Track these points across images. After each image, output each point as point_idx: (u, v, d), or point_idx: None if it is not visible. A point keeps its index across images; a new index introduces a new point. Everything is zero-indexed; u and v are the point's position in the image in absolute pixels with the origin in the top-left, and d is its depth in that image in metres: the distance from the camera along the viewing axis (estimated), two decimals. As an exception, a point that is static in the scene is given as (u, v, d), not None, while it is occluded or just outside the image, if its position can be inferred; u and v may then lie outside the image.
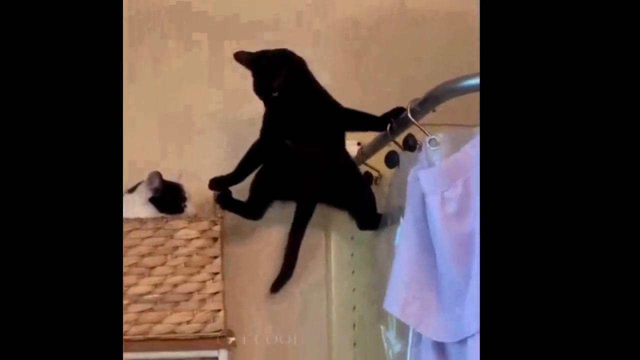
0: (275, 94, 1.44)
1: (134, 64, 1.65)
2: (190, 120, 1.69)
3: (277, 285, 1.49)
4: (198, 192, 1.54)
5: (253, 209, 1.52)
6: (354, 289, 1.64)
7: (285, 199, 1.51)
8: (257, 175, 1.50)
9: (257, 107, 1.49)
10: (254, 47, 1.51)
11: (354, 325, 1.63)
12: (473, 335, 1.12)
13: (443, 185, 1.19)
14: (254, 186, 1.51)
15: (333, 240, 1.66)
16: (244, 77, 1.49)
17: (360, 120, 1.48)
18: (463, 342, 1.15)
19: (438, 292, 1.23)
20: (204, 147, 1.67)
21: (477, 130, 1.04)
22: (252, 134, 1.51)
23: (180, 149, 1.67)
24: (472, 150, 1.17)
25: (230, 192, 1.50)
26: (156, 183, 1.48)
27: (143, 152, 1.61)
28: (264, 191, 1.51)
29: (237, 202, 1.51)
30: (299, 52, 1.50)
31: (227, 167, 1.52)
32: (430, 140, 1.24)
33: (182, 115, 1.69)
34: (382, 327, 1.43)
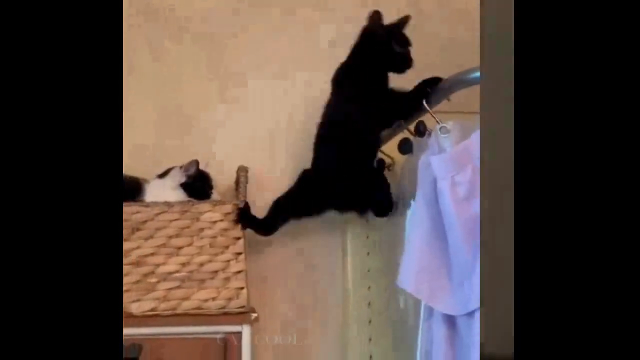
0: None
1: (134, 62, 1.67)
2: (190, 116, 1.72)
3: None
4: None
5: (268, 226, 1.55)
6: (368, 270, 1.68)
7: (302, 217, 1.55)
8: (280, 198, 1.55)
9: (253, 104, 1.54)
10: (253, 46, 1.53)
11: (369, 304, 1.66)
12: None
13: (453, 170, 1.22)
14: (274, 207, 1.55)
15: (349, 223, 1.68)
16: (244, 75, 1.55)
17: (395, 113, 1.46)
18: (471, 314, 1.19)
19: (449, 274, 1.25)
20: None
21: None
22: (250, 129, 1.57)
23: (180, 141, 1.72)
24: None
25: (249, 208, 1.52)
26: (193, 170, 1.53)
27: (143, 146, 1.66)
28: (284, 212, 1.55)
29: (254, 217, 1.53)
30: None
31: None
32: (441, 127, 1.27)
33: (181, 112, 1.72)
34: (395, 305, 1.49)
